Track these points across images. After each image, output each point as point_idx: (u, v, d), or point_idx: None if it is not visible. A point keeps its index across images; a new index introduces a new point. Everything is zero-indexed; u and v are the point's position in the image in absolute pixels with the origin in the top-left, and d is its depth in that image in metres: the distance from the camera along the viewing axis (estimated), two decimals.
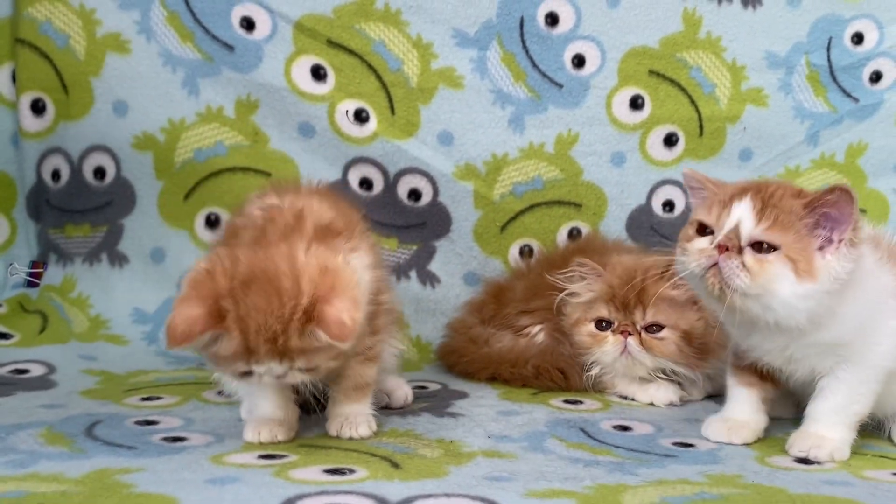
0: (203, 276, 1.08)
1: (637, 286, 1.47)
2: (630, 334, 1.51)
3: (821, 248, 1.10)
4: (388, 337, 1.36)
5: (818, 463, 1.16)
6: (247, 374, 1.09)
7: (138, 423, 1.24)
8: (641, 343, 1.50)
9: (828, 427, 1.19)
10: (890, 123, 1.98)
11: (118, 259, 1.85)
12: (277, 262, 1.08)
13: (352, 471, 1.03)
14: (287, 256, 1.09)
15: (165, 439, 1.17)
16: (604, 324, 1.53)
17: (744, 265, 1.09)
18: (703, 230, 1.15)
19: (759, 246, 1.10)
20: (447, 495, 0.92)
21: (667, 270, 1.47)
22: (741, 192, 1.13)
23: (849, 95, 1.97)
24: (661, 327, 1.49)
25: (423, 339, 1.90)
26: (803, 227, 1.10)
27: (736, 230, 1.11)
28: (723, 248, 1.11)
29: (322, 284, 1.06)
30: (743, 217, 1.10)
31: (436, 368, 1.77)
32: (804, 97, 1.97)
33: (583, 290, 1.57)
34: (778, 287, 1.09)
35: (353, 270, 1.12)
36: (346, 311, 1.04)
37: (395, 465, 1.07)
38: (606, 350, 1.52)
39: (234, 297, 1.05)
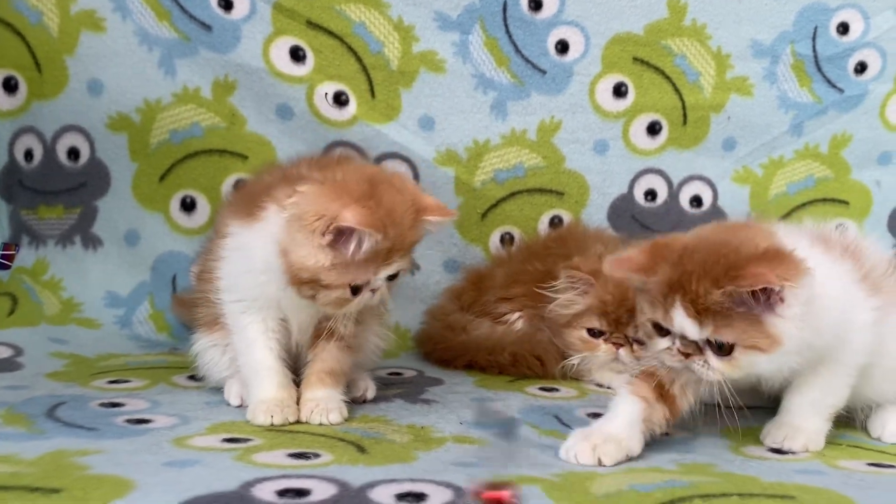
0: (331, 184, 1.13)
1: (629, 304, 1.43)
2: (622, 346, 1.50)
3: (771, 309, 1.03)
4: (370, 332, 1.35)
5: (793, 453, 1.15)
6: (358, 289, 1.13)
7: (103, 405, 1.22)
8: (633, 353, 1.49)
9: (802, 418, 1.18)
10: (874, 115, 1.97)
11: (92, 241, 1.81)
12: (380, 171, 1.22)
13: (317, 455, 1.01)
14: (380, 167, 1.24)
15: (129, 421, 1.14)
16: (596, 331, 1.52)
17: (710, 364, 1.06)
18: (661, 327, 1.10)
19: (717, 345, 1.05)
20: (412, 480, 0.90)
21: None
22: (669, 290, 1.05)
23: (833, 86, 1.96)
24: None
25: (401, 326, 1.87)
26: (743, 310, 1.03)
27: (686, 337, 1.06)
28: (686, 355, 1.07)
29: (410, 184, 1.22)
30: (685, 326, 1.05)
31: (413, 356, 1.75)
32: (789, 87, 1.96)
33: (572, 300, 1.53)
34: (754, 370, 1.06)
35: None
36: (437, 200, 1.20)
37: (362, 450, 1.05)
38: (598, 355, 1.52)
39: (373, 198, 1.12)
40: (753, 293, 1.02)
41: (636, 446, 1.09)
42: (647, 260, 1.09)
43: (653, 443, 1.16)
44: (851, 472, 1.05)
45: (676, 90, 1.94)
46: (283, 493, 0.85)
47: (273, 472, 0.93)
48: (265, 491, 0.85)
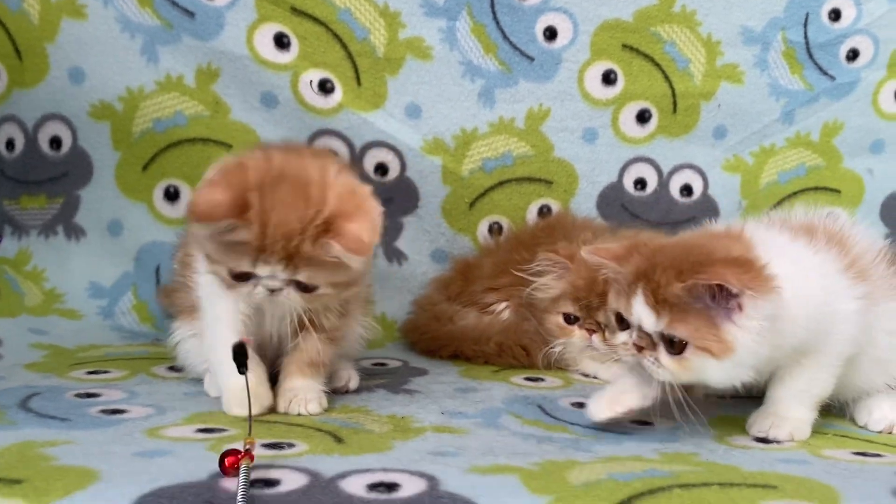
0: (234, 166, 1.08)
1: (599, 289, 1.43)
2: (595, 332, 1.49)
3: (728, 315, 1.02)
4: (355, 322, 1.32)
5: (778, 442, 1.13)
6: (244, 277, 1.08)
7: (78, 395, 1.20)
8: (605, 341, 1.47)
9: (788, 408, 1.16)
10: (866, 103, 1.95)
11: (75, 232, 1.79)
12: (309, 169, 1.10)
13: (291, 445, 0.99)
14: (319, 168, 1.11)
15: (103, 412, 1.12)
16: (571, 317, 1.51)
17: (660, 361, 1.05)
18: (622, 319, 1.10)
19: (669, 340, 1.04)
20: (385, 470, 0.88)
21: None
22: (634, 279, 1.05)
23: (825, 73, 1.94)
24: None
25: (388, 317, 1.86)
26: (700, 308, 1.02)
27: (642, 328, 1.06)
28: (639, 348, 1.07)
29: (347, 202, 1.08)
30: (642, 315, 1.04)
31: (399, 346, 1.73)
32: (780, 74, 1.93)
33: (549, 283, 1.53)
34: (704, 374, 1.04)
35: (376, 204, 1.12)
36: (365, 230, 1.06)
37: (339, 440, 1.03)
38: (574, 341, 1.52)
39: (261, 190, 1.05)
40: (712, 292, 1.00)
41: (652, 394, 1.10)
42: (623, 251, 1.10)
43: (636, 431, 1.15)
44: (836, 462, 1.03)
45: (666, 77, 1.91)
46: (251, 483, 0.83)
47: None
48: (234, 482, 0.83)
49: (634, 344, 1.07)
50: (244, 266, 1.08)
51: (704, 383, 1.05)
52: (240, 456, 0.85)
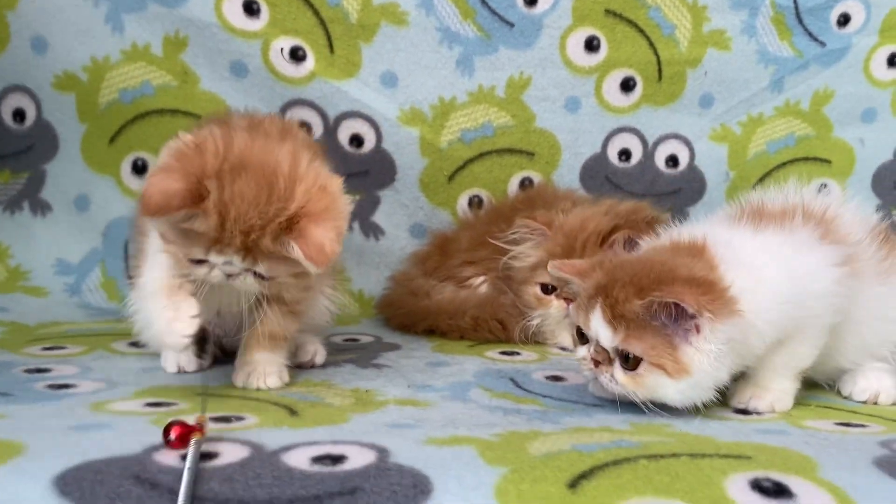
0: (191, 151, 1.01)
1: (577, 256, 1.39)
2: (572, 301, 1.43)
3: (685, 336, 0.98)
4: (320, 293, 1.26)
5: (758, 413, 1.08)
6: (200, 262, 1.02)
7: (28, 370, 1.15)
8: None
9: (770, 379, 1.12)
10: (857, 70, 1.88)
11: (41, 207, 1.74)
12: (278, 157, 1.03)
13: (241, 418, 0.94)
14: (290, 156, 1.04)
15: (50, 386, 1.07)
16: (549, 287, 1.47)
17: (614, 376, 1.02)
18: (583, 334, 1.08)
19: (624, 356, 1.01)
20: (334, 442, 0.83)
21: (607, 237, 1.41)
22: (594, 293, 1.03)
23: (815, 39, 1.87)
24: None
25: (365, 294, 1.81)
26: (657, 326, 0.99)
27: (599, 343, 1.03)
28: (596, 363, 1.05)
29: (316, 201, 1.02)
30: (599, 330, 1.02)
31: (374, 322, 1.68)
32: (768, 40, 1.87)
33: (527, 251, 1.49)
34: (660, 392, 1.01)
35: (346, 202, 1.06)
36: (329, 239, 1.00)
37: (293, 413, 0.98)
38: (551, 312, 1.48)
39: (220, 179, 0.99)
40: (669, 311, 0.97)
41: None
42: (587, 266, 1.08)
43: (609, 402, 1.10)
44: (816, 432, 0.98)
45: (651, 44, 1.85)
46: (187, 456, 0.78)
47: None
48: (169, 455, 0.77)
49: (592, 358, 1.05)
50: (199, 254, 1.02)
51: (662, 401, 1.02)
52: (186, 428, 0.80)
